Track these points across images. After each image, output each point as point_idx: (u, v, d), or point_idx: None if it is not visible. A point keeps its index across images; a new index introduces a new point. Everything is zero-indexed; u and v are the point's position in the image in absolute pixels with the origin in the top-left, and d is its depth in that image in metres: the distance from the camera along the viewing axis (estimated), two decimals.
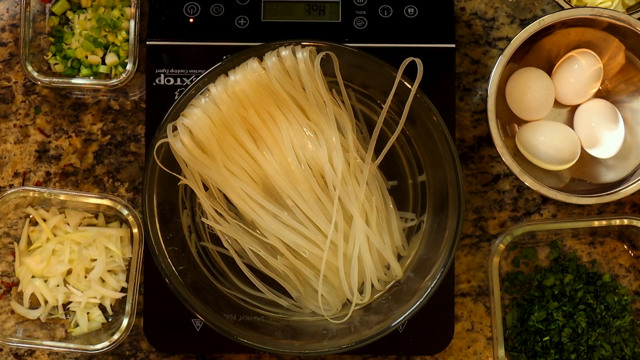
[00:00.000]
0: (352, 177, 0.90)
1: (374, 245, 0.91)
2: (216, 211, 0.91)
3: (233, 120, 0.89)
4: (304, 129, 0.90)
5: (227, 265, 0.94)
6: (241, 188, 0.90)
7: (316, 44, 0.88)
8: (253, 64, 0.88)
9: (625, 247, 1.01)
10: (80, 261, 0.97)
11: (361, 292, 0.92)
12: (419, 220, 0.95)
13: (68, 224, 0.99)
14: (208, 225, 0.93)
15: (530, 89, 0.95)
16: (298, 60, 0.87)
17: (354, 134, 0.91)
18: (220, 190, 0.91)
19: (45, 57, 1.01)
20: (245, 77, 0.88)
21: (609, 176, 0.97)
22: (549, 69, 0.98)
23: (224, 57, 0.93)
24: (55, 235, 0.98)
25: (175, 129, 0.88)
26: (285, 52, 0.87)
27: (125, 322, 0.95)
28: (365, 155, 0.91)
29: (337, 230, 0.90)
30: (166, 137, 0.87)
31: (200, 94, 0.88)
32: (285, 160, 0.90)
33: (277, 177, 0.90)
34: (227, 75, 0.88)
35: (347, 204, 0.90)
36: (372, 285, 0.93)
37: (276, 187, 0.90)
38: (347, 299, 0.93)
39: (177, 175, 0.89)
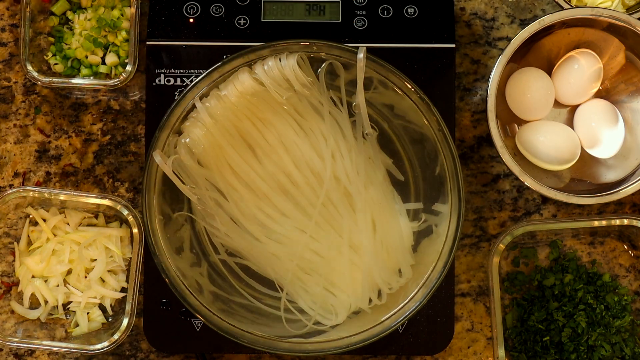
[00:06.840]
0: (354, 176, 0.90)
1: (380, 249, 0.91)
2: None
3: (230, 133, 0.89)
4: (304, 134, 0.90)
5: (227, 268, 0.94)
6: (243, 197, 0.90)
7: (315, 43, 0.88)
8: (243, 74, 0.88)
9: (625, 247, 1.01)
10: (80, 261, 0.97)
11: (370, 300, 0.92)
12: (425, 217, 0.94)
13: (68, 224, 0.99)
14: (206, 228, 0.93)
15: (530, 89, 0.95)
16: (284, 67, 0.87)
17: (353, 133, 0.91)
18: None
19: (45, 57, 1.01)
20: (234, 89, 0.88)
21: (609, 176, 0.97)
22: (549, 69, 0.98)
23: (224, 56, 0.93)
24: (55, 235, 0.98)
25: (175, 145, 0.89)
26: (271, 61, 0.87)
27: (125, 322, 0.94)
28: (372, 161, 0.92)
29: (342, 237, 0.90)
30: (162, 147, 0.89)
31: (194, 110, 0.89)
32: (285, 165, 0.90)
33: (277, 183, 0.90)
34: (218, 88, 0.89)
35: (353, 205, 0.90)
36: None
37: (277, 194, 0.90)
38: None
39: (183, 184, 0.89)
